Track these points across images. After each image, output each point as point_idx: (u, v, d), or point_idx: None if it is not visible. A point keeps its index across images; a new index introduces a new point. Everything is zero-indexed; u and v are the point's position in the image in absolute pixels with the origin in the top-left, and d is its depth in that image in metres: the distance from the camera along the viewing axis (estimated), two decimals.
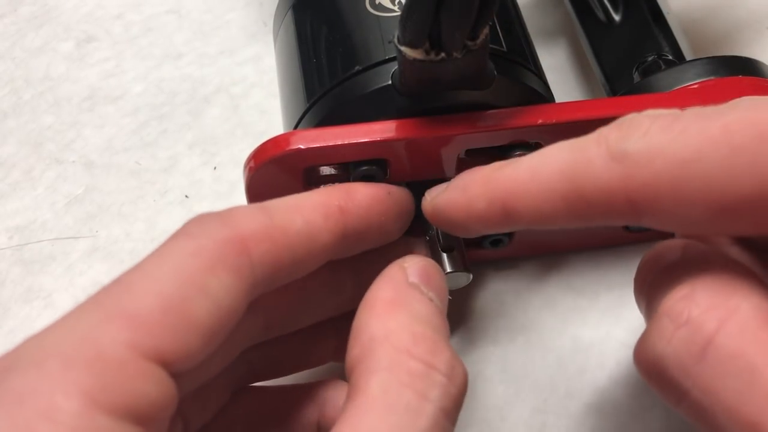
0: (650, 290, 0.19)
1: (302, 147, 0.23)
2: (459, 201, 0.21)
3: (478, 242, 0.29)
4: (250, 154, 0.23)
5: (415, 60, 0.21)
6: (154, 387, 0.16)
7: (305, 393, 0.24)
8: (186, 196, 0.35)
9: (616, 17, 0.32)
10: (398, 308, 0.20)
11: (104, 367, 0.16)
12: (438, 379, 0.18)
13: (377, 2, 0.26)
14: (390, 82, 0.24)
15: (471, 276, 0.25)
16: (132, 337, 0.16)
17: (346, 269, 0.24)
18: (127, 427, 0.16)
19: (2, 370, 0.16)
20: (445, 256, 0.25)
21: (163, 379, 0.17)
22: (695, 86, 0.26)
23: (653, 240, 0.32)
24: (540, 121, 0.23)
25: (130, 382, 0.16)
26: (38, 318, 0.32)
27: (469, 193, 0.21)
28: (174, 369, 0.17)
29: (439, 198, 0.22)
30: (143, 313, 0.17)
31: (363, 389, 0.18)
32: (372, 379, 0.18)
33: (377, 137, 0.23)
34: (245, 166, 0.24)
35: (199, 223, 0.19)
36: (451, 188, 0.21)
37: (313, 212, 0.21)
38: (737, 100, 0.17)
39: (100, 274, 0.33)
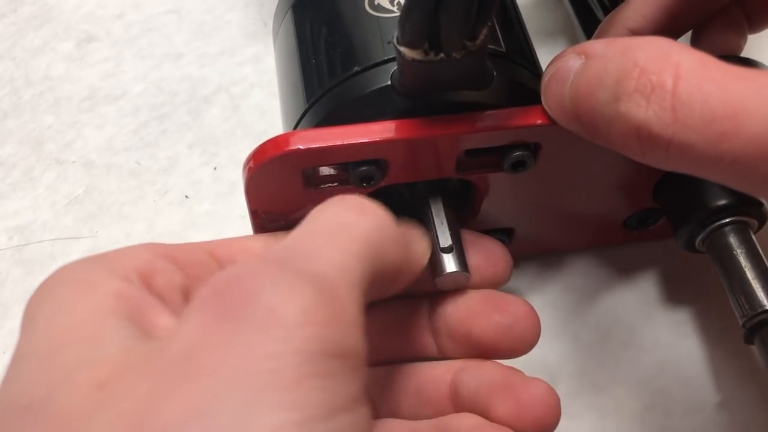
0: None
1: (301, 147, 0.23)
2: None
3: None
4: (250, 155, 0.23)
5: (414, 60, 0.21)
6: None
7: None
8: (186, 196, 0.36)
9: None
10: None
11: None
12: None
13: (376, 3, 0.25)
14: (389, 82, 0.24)
15: (470, 276, 0.25)
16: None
17: None
18: None
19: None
20: (444, 256, 0.25)
21: None
22: None
23: (653, 240, 0.32)
24: (539, 122, 0.23)
25: None
26: None
27: None
28: None
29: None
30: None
31: None
32: None
33: (376, 137, 0.23)
34: (244, 167, 0.24)
35: None
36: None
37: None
38: None
39: None
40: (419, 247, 0.23)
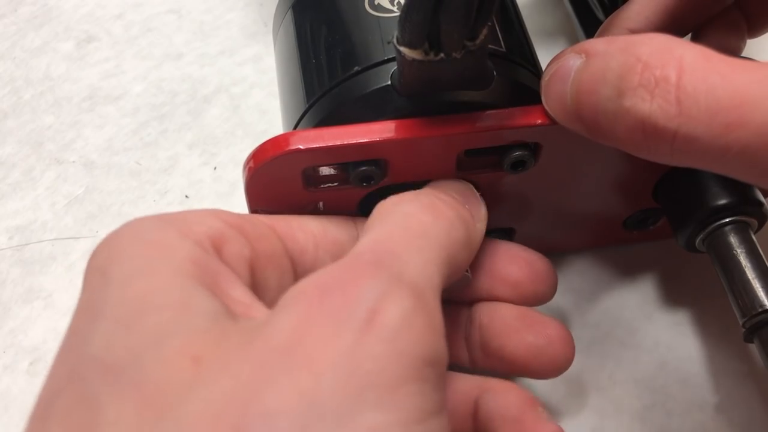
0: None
1: (301, 147, 0.23)
2: None
3: None
4: (250, 155, 0.23)
5: (414, 60, 0.21)
6: None
7: None
8: (186, 197, 0.36)
9: None
10: None
11: None
12: None
13: (376, 3, 0.25)
14: (389, 82, 0.23)
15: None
16: None
17: None
18: None
19: None
20: None
21: None
22: None
23: (653, 240, 0.32)
24: (539, 122, 0.23)
25: None
26: (38, 318, 0.32)
27: None
28: None
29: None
30: None
31: None
32: None
33: (376, 137, 0.23)
34: (245, 167, 0.24)
35: None
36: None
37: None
38: None
39: None
40: (479, 232, 0.23)
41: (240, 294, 0.19)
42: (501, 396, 0.24)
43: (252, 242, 0.21)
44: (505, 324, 0.25)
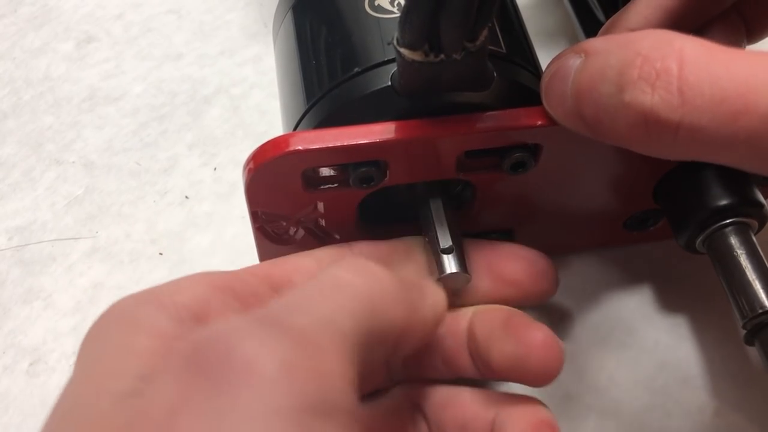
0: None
1: (301, 148, 0.23)
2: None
3: None
4: (250, 156, 0.23)
5: (414, 61, 0.21)
6: None
7: None
8: (186, 197, 0.35)
9: None
10: None
11: None
12: None
13: (376, 4, 0.25)
14: (389, 83, 0.23)
15: (470, 277, 0.25)
16: None
17: None
18: None
19: None
20: (444, 257, 0.25)
21: None
22: None
23: (653, 241, 0.32)
24: (540, 123, 0.23)
25: None
26: (38, 319, 0.32)
27: None
28: None
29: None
30: None
31: None
32: None
33: (376, 138, 0.23)
34: (244, 168, 0.24)
35: None
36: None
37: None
38: None
39: (100, 274, 0.33)
40: (429, 301, 0.22)
41: None
42: (513, 419, 0.24)
43: (241, 302, 0.21)
44: (490, 331, 0.25)
